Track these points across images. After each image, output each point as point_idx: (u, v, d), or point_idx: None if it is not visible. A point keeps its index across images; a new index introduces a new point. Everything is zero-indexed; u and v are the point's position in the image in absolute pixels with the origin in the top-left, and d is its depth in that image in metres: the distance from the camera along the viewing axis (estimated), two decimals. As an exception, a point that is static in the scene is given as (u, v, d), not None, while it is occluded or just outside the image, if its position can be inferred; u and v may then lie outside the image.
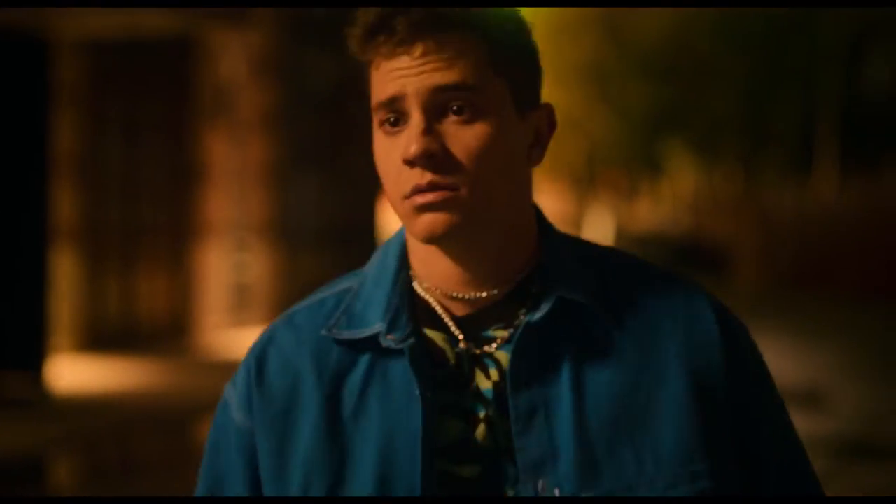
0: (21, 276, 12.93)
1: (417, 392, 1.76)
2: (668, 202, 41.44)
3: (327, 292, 1.88)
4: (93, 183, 15.52)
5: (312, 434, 1.79)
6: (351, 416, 1.78)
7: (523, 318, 1.78)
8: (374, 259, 1.87)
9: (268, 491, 1.82)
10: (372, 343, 1.80)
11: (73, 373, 13.71)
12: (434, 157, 1.72)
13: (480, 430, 1.76)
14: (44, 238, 13.12)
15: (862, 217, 27.27)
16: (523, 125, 1.79)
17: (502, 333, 1.78)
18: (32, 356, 12.66)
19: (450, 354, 1.78)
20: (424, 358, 1.78)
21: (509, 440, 1.76)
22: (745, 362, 1.82)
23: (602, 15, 37.73)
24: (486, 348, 1.78)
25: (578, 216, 48.07)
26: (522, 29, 1.81)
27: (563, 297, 1.78)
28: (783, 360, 16.39)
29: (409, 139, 1.73)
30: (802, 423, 11.62)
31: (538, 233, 1.84)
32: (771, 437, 1.82)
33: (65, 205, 14.78)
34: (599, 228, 40.70)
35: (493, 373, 1.77)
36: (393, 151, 1.75)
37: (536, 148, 1.81)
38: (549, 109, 1.83)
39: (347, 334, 1.81)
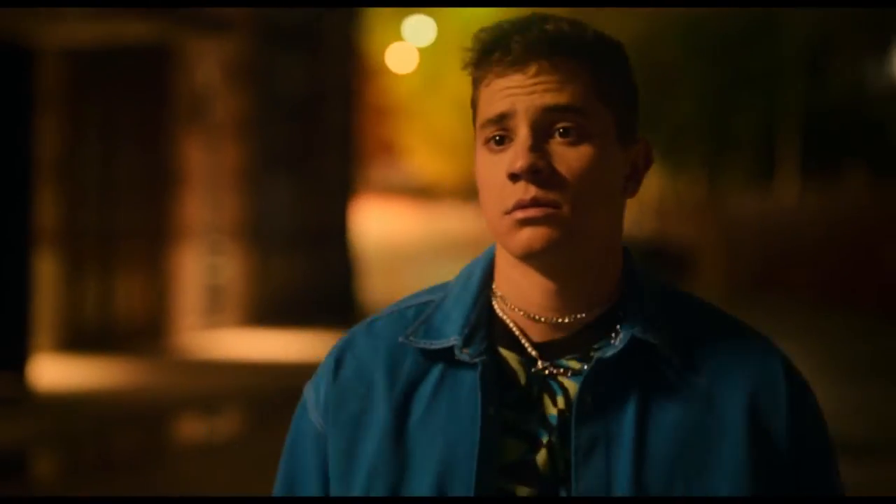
0: (4, 278, 12.97)
1: (480, 407, 1.77)
2: (633, 206, 41.47)
3: (410, 303, 1.89)
4: (72, 187, 15.51)
5: (380, 437, 1.80)
6: (418, 424, 1.80)
7: (596, 352, 1.78)
8: (461, 275, 1.88)
9: (334, 490, 1.84)
10: (446, 355, 1.81)
11: (53, 372, 13.76)
12: (539, 173, 1.74)
13: (541, 454, 1.77)
14: (27, 241, 13.18)
15: (822, 222, 27.20)
16: (623, 156, 1.81)
17: (575, 364, 1.79)
18: (16, 356, 12.72)
19: (521, 376, 1.79)
20: (495, 376, 1.79)
21: (568, 468, 1.76)
22: (809, 430, 1.82)
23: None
24: (558, 376, 1.79)
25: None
26: (626, 64, 1.83)
27: (637, 336, 1.78)
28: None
29: (516, 155, 1.75)
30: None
31: (623, 268, 1.85)
32: None
33: (46, 208, 14.77)
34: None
35: (561, 401, 1.77)
36: (496, 168, 1.77)
37: (632, 181, 1.83)
38: (646, 146, 1.85)
39: (423, 343, 1.82)
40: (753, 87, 33.25)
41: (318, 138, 20.99)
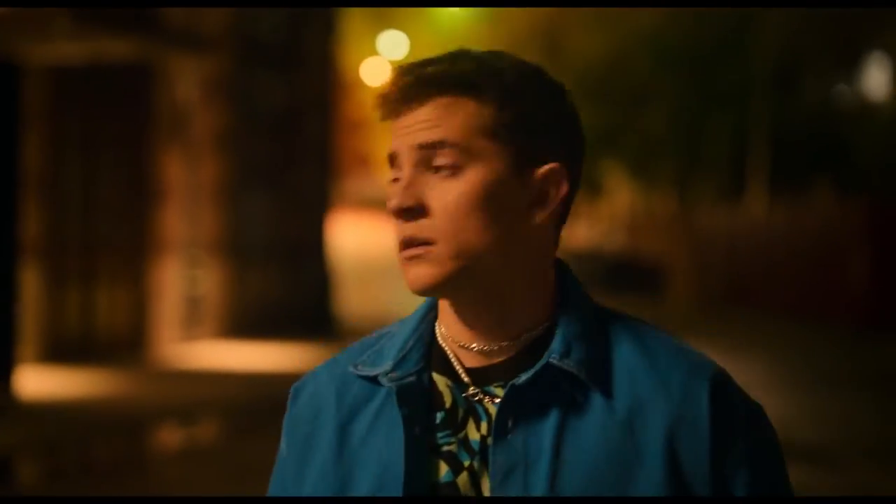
0: None
1: (403, 428, 1.78)
2: (605, 221, 41.33)
3: (377, 333, 1.91)
4: (54, 200, 15.54)
5: (324, 457, 1.84)
6: (358, 445, 1.82)
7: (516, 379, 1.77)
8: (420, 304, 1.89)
9: None
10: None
11: (37, 382, 13.83)
12: (410, 212, 1.75)
13: (463, 477, 1.77)
14: (13, 253, 13.16)
15: (790, 236, 27.30)
16: (520, 182, 1.77)
17: (500, 391, 1.78)
18: (1, 366, 12.74)
19: (448, 399, 1.79)
20: (421, 399, 1.80)
21: (488, 492, 1.76)
22: (739, 450, 1.76)
23: (540, 36, 37.61)
24: (484, 401, 1.78)
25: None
26: (535, 92, 1.79)
27: (553, 363, 1.76)
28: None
29: (392, 194, 1.77)
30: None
31: (559, 290, 1.82)
32: None
33: (29, 221, 14.76)
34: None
35: (484, 426, 1.77)
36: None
37: (540, 207, 1.79)
38: (560, 170, 1.80)
39: (365, 371, 1.84)
40: (724, 104, 33.30)
41: (295, 153, 20.97)
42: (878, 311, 23.99)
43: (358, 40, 39.69)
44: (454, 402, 1.79)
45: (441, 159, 1.75)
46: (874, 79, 36.29)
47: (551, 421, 1.76)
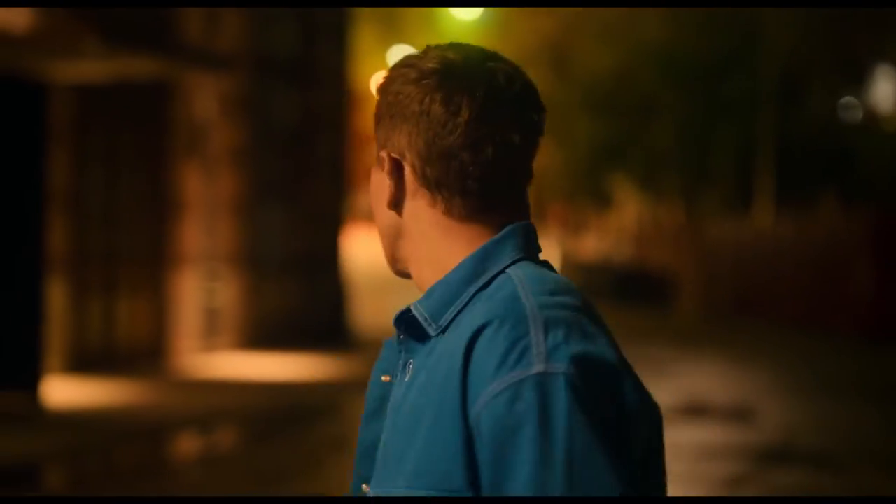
0: (19, 303, 13.23)
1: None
2: (613, 234, 41.24)
3: None
4: (78, 215, 15.67)
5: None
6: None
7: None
8: None
9: None
10: None
11: (63, 391, 14.01)
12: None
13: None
14: (40, 267, 13.40)
15: (796, 248, 27.41)
16: (381, 175, 1.85)
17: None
18: (29, 377, 13.03)
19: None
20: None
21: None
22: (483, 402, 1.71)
23: (548, 50, 37.60)
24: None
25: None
26: (392, 82, 1.85)
27: (407, 314, 1.80)
28: (718, 382, 16.94)
29: None
30: (730, 434, 12.56)
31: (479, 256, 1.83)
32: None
33: (55, 236, 14.89)
34: (546, 259, 40.29)
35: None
36: None
37: (396, 197, 1.84)
38: (389, 158, 1.83)
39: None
40: (730, 117, 33.38)
41: (310, 167, 21.08)
42: (884, 322, 24.07)
43: (369, 54, 39.87)
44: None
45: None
46: (881, 91, 36.44)
47: (412, 371, 1.80)
